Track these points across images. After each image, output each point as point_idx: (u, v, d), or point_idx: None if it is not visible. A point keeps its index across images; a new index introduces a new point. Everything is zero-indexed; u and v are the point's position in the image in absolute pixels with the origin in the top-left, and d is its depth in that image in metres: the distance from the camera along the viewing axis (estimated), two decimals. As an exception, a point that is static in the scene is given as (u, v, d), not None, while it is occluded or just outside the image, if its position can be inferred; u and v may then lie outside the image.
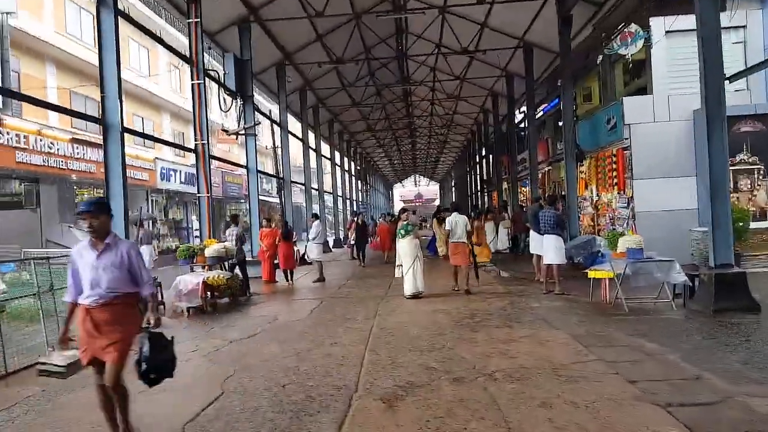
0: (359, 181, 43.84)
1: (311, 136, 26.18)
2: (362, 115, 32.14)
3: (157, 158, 21.53)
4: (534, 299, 9.48)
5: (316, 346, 6.68)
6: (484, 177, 35.23)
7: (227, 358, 6.30)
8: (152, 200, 21.87)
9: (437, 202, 79.77)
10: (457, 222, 10.55)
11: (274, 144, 23.98)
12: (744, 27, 13.07)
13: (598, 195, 16.05)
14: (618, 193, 14.38)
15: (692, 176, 12.95)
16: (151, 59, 23.84)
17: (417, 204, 73.16)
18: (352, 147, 39.98)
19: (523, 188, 25.50)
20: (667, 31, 13.35)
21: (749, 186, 12.82)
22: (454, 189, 58.60)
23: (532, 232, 11.84)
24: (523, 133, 25.74)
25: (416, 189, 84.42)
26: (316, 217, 14.41)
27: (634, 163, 13.28)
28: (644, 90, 13.96)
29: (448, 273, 11.87)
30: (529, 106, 20.17)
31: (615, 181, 14.44)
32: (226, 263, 10.83)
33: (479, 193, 38.16)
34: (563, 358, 5.57)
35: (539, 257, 11.47)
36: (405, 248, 10.15)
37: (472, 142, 37.70)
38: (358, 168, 42.08)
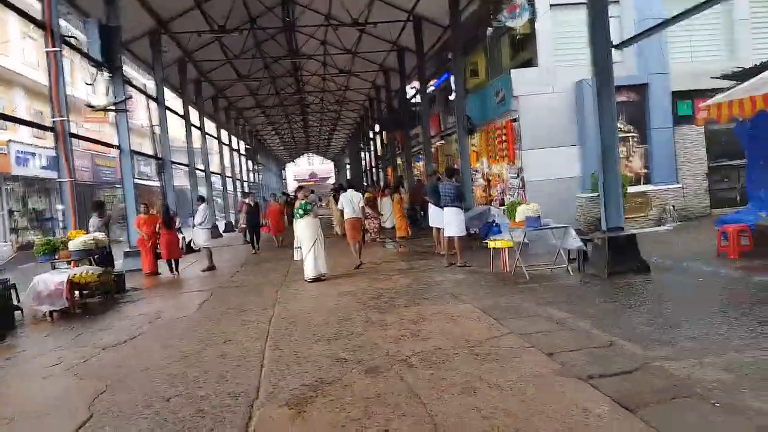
0: (249, 161, 41.91)
1: (194, 114, 24.24)
2: (250, 90, 30.41)
3: (11, 140, 18.67)
4: (438, 273, 9.32)
5: (207, 346, 5.89)
6: (378, 153, 35.16)
7: (98, 371, 5.32)
8: (7, 189, 19.00)
9: (332, 180, 79.17)
10: (351, 199, 10.66)
11: (150, 122, 21.93)
12: (617, 2, 13.74)
13: (489, 167, 16.40)
14: (508, 164, 14.73)
15: (576, 145, 13.55)
16: (0, 29, 20.47)
17: (312, 182, 71.94)
18: (241, 125, 37.97)
19: (416, 163, 25.64)
20: (551, 5, 13.69)
21: (625, 153, 13.68)
22: (348, 166, 58.20)
23: (431, 206, 11.71)
24: (414, 108, 25.80)
25: (310, 168, 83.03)
26: (202, 200, 13.20)
27: (523, 135, 13.61)
28: (530, 63, 14.30)
29: (349, 252, 11.44)
30: (421, 80, 20.09)
31: (505, 152, 14.76)
32: (93, 257, 9.46)
33: (374, 169, 38.10)
34: (477, 335, 5.33)
35: (439, 230, 11.40)
36: (304, 229, 9.49)
37: (366, 118, 37.36)
38: (248, 147, 40.11)
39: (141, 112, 29.62)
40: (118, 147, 13.83)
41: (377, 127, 35.13)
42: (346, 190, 11.22)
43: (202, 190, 23.01)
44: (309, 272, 9.46)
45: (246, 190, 33.39)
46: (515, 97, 13.50)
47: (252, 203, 15.99)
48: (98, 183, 25.72)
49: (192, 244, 13.03)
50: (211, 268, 12.44)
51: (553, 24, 13.81)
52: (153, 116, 21.92)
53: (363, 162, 44.77)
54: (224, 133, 31.64)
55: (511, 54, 15.90)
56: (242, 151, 38.21)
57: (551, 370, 4.22)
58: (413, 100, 25.29)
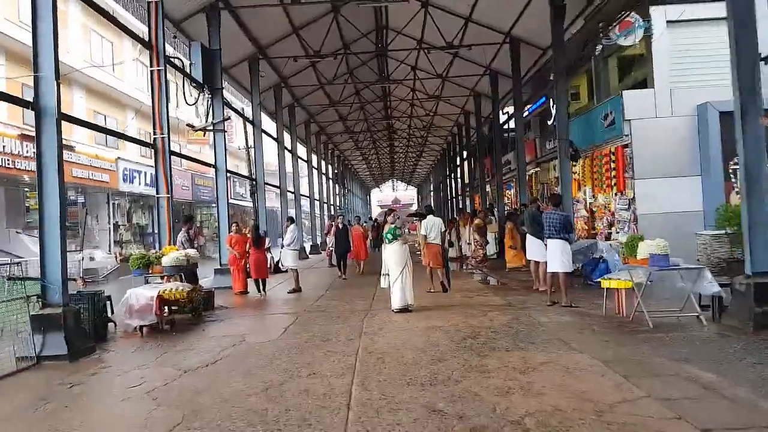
0: (337, 185, 42.56)
1: (287, 138, 24.84)
2: (340, 115, 30.93)
3: (119, 158, 19.95)
4: (540, 312, 8.37)
5: (290, 377, 5.41)
6: (466, 180, 34.31)
7: (177, 397, 4.99)
8: (114, 204, 20.23)
9: (414, 207, 78.99)
10: (433, 224, 10.51)
11: (246, 143, 22.61)
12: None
13: (593, 196, 15.12)
14: (617, 194, 13.44)
15: (698, 176, 12.08)
16: (115, 53, 22.24)
17: (396, 208, 72.07)
18: (330, 149, 38.72)
19: (508, 191, 24.56)
20: (668, 22, 12.48)
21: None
22: (432, 193, 57.61)
23: (529, 237, 10.78)
24: (506, 135, 24.88)
25: (393, 194, 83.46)
26: (291, 221, 13.10)
27: (636, 162, 12.35)
28: (643, 84, 13.07)
29: (437, 281, 10.77)
30: (516, 104, 19.22)
31: (614, 181, 13.49)
32: (182, 273, 9.45)
33: (459, 197, 37.32)
34: (604, 396, 4.43)
35: (537, 264, 10.43)
36: (393, 254, 8.96)
37: (454, 143, 36.72)
38: (336, 171, 40.78)
39: (238, 135, 30.96)
40: (215, 166, 14.13)
41: (465, 154, 34.48)
42: (425, 216, 10.69)
43: (291, 212, 23.34)
44: (396, 302, 8.86)
45: (334, 211, 33.70)
46: (627, 120, 12.34)
47: (340, 225, 15.69)
48: (197, 202, 26.94)
49: (280, 265, 12.91)
50: (297, 290, 12.21)
51: (670, 42, 12.55)
52: (249, 139, 22.64)
53: (448, 189, 44.07)
54: (314, 158, 32.30)
55: (621, 75, 14.72)
56: (330, 176, 38.83)
57: (716, 455, 3.28)
58: (506, 126, 24.39)
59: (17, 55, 16.60)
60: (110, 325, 8.27)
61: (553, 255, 8.81)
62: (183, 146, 27.08)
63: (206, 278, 14.11)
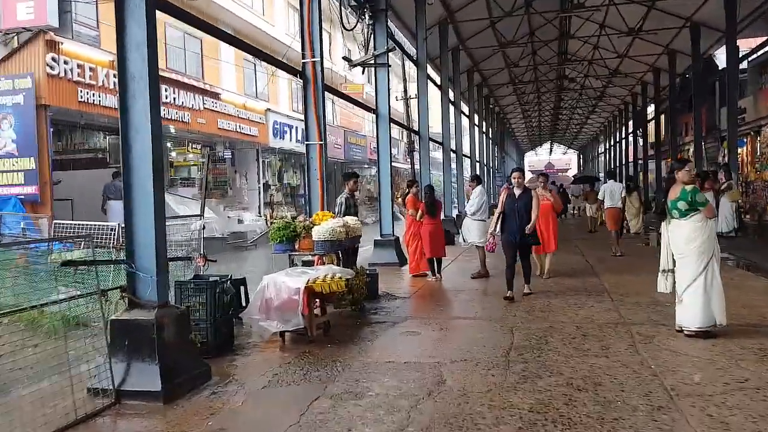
0: (495, 146, 38.35)
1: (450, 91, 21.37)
2: (507, 63, 26.52)
3: (269, 110, 18.14)
4: None
5: None
6: (661, 137, 27.98)
7: None
8: (263, 161, 18.61)
9: (572, 172, 71.16)
10: (612, 190, 11.22)
11: (405, 92, 19.65)
12: None
13: None
14: None
15: None
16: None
17: (551, 173, 65.22)
18: (491, 106, 34.51)
19: (740, 148, 18.61)
20: None
21: None
22: (603, 155, 50.28)
23: None
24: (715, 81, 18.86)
25: (547, 158, 76.11)
26: (478, 180, 9.62)
27: None
28: None
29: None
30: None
31: None
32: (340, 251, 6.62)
33: (640, 161, 31.16)
34: None
35: None
36: (686, 238, 5.09)
37: (643, 97, 30.24)
38: (495, 130, 36.54)
39: (394, 87, 28.28)
40: (375, 110, 11.20)
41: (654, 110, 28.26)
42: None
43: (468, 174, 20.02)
44: (692, 318, 5.05)
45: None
46: None
47: (517, 191, 11.78)
48: (349, 162, 24.92)
49: (458, 239, 9.68)
50: (484, 275, 8.91)
51: None
52: (407, 88, 19.62)
53: (628, 150, 37.41)
54: (475, 117, 28.56)
55: None
56: (490, 135, 34.75)
57: None
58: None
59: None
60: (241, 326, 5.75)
61: None
62: (335, 102, 25.03)
63: (363, 247, 11.49)
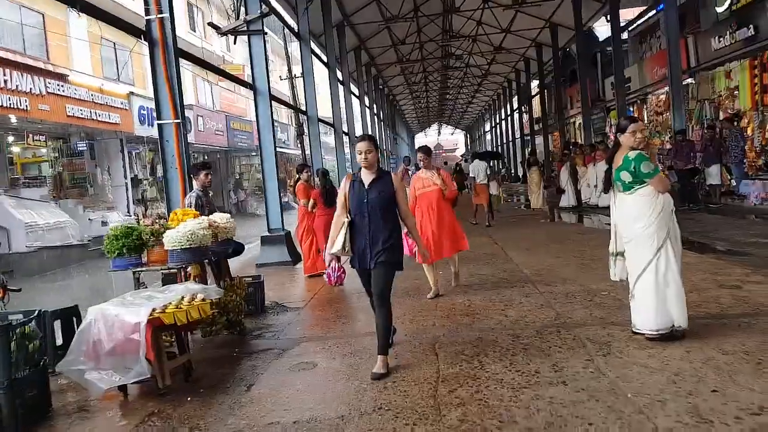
0: (387, 128, 37.60)
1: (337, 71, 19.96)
2: (393, 42, 25.61)
3: (132, 93, 15.67)
4: None
5: None
6: (546, 112, 28.68)
7: None
8: (130, 153, 16.10)
9: (460, 152, 73.28)
10: (478, 168, 11.67)
11: (289, 72, 17.99)
12: None
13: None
14: None
15: None
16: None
17: (439, 154, 66.50)
18: (380, 87, 33.58)
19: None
20: None
21: None
22: (491, 132, 51.62)
23: None
24: (609, 49, 19.34)
25: (436, 139, 77.65)
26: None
27: None
28: None
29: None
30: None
31: None
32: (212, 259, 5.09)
33: (527, 137, 32.21)
34: None
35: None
36: (636, 214, 4.19)
37: (528, 71, 30.86)
38: (385, 112, 35.76)
39: (277, 67, 26.35)
40: (252, 86, 9.57)
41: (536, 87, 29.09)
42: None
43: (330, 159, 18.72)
44: (645, 319, 4.16)
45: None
46: None
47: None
48: (233, 150, 22.76)
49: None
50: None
51: None
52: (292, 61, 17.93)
53: (510, 128, 38.50)
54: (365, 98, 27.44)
55: None
56: (380, 117, 33.86)
57: None
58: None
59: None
60: (58, 380, 4.10)
61: None
62: (214, 84, 22.71)
63: (250, 244, 9.92)
